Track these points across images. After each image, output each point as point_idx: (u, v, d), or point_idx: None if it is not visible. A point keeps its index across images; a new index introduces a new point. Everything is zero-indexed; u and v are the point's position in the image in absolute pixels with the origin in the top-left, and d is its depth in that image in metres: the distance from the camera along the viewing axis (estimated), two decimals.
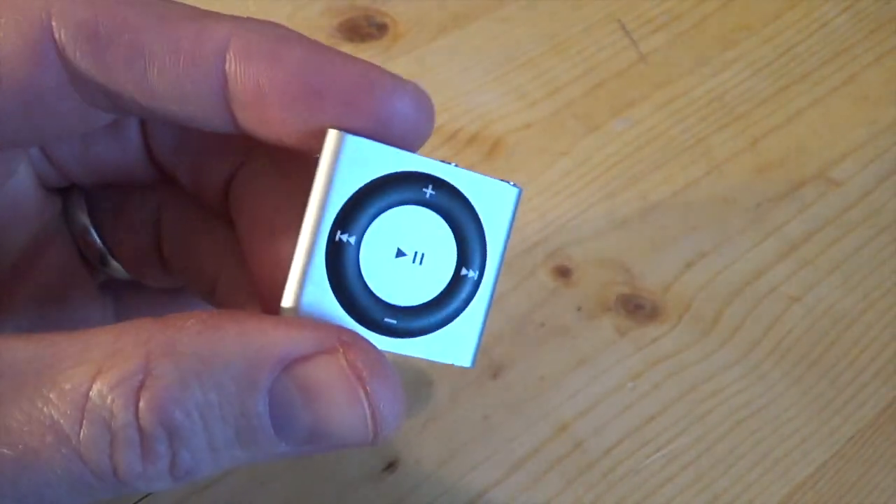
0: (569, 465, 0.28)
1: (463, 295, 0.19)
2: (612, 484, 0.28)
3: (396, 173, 0.18)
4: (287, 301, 0.18)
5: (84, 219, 0.23)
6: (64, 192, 0.23)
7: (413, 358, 0.19)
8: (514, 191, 0.19)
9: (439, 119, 0.36)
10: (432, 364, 0.30)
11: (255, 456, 0.17)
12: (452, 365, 0.19)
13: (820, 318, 0.32)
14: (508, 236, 0.19)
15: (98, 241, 0.23)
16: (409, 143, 0.18)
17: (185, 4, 0.18)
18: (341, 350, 0.17)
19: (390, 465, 0.28)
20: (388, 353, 0.18)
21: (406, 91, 0.18)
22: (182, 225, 0.23)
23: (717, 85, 0.38)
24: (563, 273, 0.32)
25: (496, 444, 0.29)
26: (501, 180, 0.19)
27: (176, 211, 0.23)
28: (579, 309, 0.32)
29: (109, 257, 0.24)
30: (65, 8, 0.17)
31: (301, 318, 0.18)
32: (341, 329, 0.17)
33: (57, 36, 0.17)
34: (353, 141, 0.18)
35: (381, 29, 0.38)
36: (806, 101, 0.38)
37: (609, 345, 0.31)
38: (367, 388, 0.17)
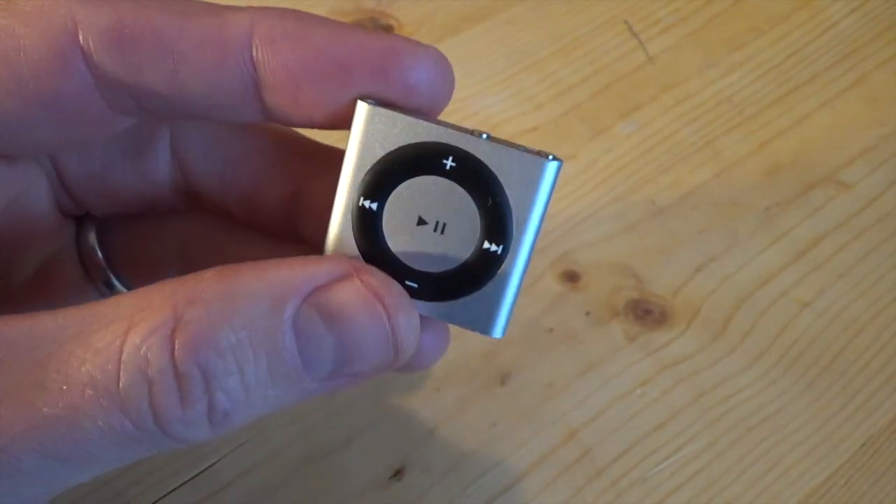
0: (577, 473, 0.28)
1: (485, 270, 0.19)
2: (620, 492, 0.28)
3: (418, 143, 0.19)
4: None
5: (92, 239, 0.24)
6: (78, 217, 0.24)
7: (440, 321, 0.19)
8: (545, 163, 0.18)
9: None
10: (440, 370, 0.29)
11: (285, 395, 0.17)
12: (477, 333, 0.19)
13: (830, 323, 0.32)
14: (544, 213, 0.19)
15: (104, 262, 0.24)
16: (433, 107, 0.19)
17: (201, 1, 0.18)
18: (356, 274, 0.18)
19: (397, 473, 0.28)
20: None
21: (429, 56, 0.18)
22: (212, 249, 0.24)
23: (725, 87, 0.38)
24: (571, 278, 0.32)
25: (504, 451, 0.28)
26: (535, 152, 0.18)
27: (204, 237, 0.24)
28: (588, 314, 0.31)
29: (114, 279, 0.24)
30: (89, 15, 0.17)
31: (317, 256, 0.18)
32: (353, 260, 0.18)
33: (83, 43, 0.17)
34: (378, 112, 0.18)
35: (386, 31, 0.38)
36: (815, 103, 0.38)
37: (618, 350, 0.31)
38: (385, 302, 0.18)
